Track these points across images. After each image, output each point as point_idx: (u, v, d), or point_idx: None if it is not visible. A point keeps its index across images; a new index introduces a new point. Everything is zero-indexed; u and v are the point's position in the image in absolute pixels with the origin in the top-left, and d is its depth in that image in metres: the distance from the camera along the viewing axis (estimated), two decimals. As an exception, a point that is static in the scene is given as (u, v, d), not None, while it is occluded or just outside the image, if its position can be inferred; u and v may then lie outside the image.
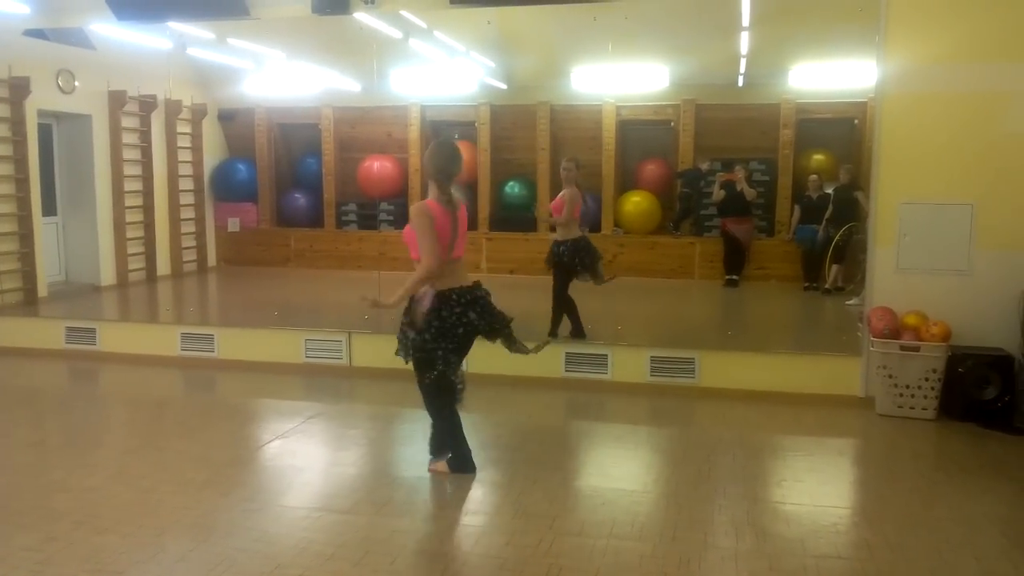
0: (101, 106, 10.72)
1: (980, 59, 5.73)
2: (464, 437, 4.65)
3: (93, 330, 7.81)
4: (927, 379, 5.74)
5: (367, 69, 11.22)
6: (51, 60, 9.86)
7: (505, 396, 6.30)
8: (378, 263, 11.55)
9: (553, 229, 7.50)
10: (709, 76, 11.22)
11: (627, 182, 12.54)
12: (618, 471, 4.91)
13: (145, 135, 11.40)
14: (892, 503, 4.37)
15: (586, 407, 6.35)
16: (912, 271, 5.97)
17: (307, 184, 13.30)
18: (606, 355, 6.63)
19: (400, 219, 12.16)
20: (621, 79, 11.12)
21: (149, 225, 11.46)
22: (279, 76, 11.78)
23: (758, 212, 11.37)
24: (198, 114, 12.39)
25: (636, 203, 12.06)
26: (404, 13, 8.11)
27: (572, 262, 7.09)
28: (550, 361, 6.67)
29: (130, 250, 11.13)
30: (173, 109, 11.79)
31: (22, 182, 9.39)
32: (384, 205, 12.71)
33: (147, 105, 11.36)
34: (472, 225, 12.15)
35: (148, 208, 11.43)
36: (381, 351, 5.96)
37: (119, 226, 10.96)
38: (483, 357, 5.88)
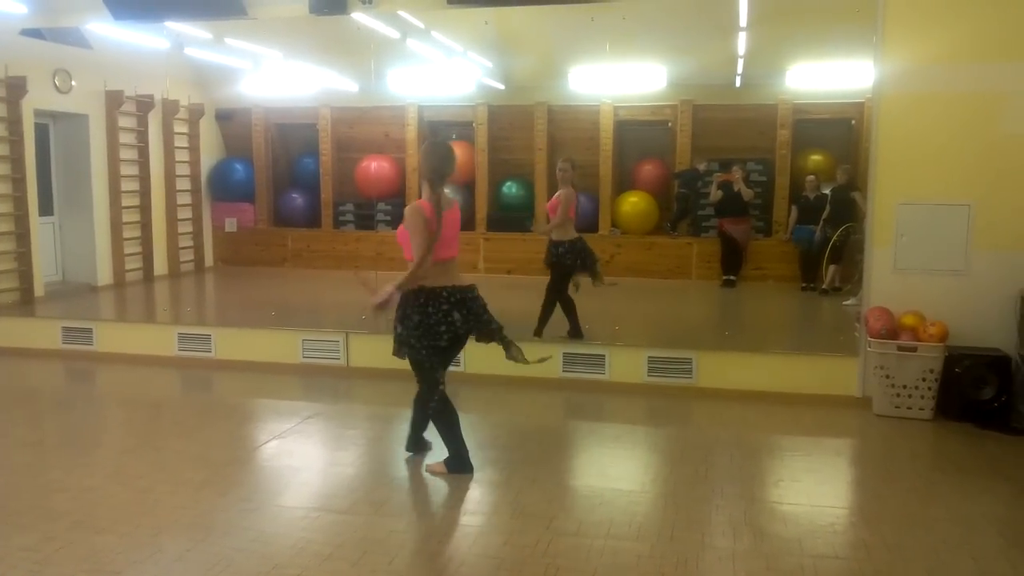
0: (98, 106, 10.72)
1: (977, 59, 5.74)
2: (462, 437, 4.65)
3: (90, 330, 7.80)
4: (924, 379, 5.74)
5: (365, 69, 11.22)
6: (48, 60, 9.85)
7: (503, 396, 6.30)
8: (375, 263, 11.55)
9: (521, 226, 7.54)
10: (707, 76, 11.23)
11: (624, 182, 12.55)
12: (616, 471, 4.91)
13: (142, 135, 11.38)
14: (889, 503, 4.37)
15: (584, 407, 6.35)
16: (909, 271, 5.98)
17: (304, 184, 13.29)
18: (603, 355, 6.63)
19: (397, 219, 12.12)
20: (619, 79, 11.12)
21: (146, 225, 11.45)
22: (276, 76, 11.77)
23: (755, 212, 11.38)
24: (195, 114, 12.38)
25: (633, 203, 12.07)
26: (402, 13, 8.11)
27: (570, 263, 7.10)
28: (548, 361, 6.66)
29: (127, 250, 11.11)
30: (170, 109, 11.79)
31: (19, 182, 9.38)
32: (381, 205, 12.71)
33: (144, 105, 11.35)
34: (470, 225, 12.20)
35: (145, 208, 11.42)
36: (379, 351, 5.96)
37: (116, 226, 10.95)
38: (481, 357, 5.90)
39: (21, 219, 9.41)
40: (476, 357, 6.21)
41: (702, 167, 11.62)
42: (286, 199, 13.30)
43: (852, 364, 6.17)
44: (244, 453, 5.19)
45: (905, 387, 5.79)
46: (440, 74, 11.35)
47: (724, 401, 6.20)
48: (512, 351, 4.60)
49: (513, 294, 8.19)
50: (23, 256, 9.40)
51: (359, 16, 7.39)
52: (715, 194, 11.04)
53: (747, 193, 10.81)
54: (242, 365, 7.24)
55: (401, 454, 4.98)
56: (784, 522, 4.09)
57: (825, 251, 10.17)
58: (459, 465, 4.63)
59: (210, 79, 12.54)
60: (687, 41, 10.48)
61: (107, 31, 8.69)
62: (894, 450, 5.30)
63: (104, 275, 10.85)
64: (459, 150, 12.27)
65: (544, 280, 7.32)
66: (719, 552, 3.73)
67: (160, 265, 11.74)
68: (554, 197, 7.28)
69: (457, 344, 4.62)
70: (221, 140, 13.38)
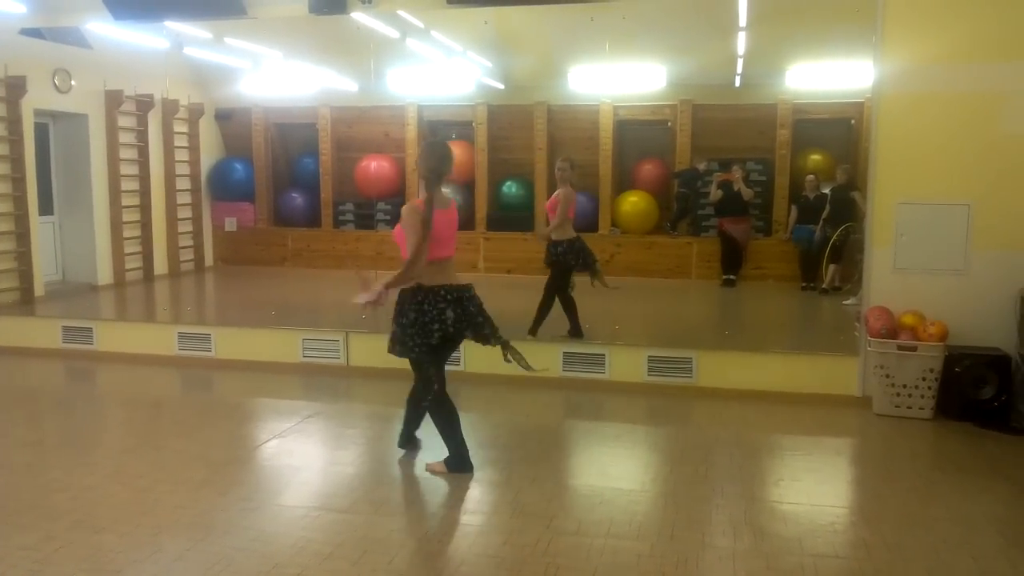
0: (98, 105, 10.71)
1: (977, 59, 5.74)
2: (462, 436, 4.65)
3: (90, 329, 7.80)
4: (924, 379, 5.75)
5: (364, 69, 11.22)
6: (48, 59, 9.85)
7: (503, 396, 6.29)
8: (375, 263, 11.56)
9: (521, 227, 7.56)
10: (706, 76, 11.23)
11: (624, 182, 12.55)
12: (616, 470, 4.91)
13: (142, 134, 11.38)
14: (889, 502, 4.38)
15: (584, 407, 6.35)
16: (909, 271, 5.98)
17: (304, 184, 13.29)
18: (603, 355, 6.63)
19: (397, 219, 12.10)
20: (618, 79, 11.12)
21: (146, 224, 11.45)
22: (276, 76, 11.77)
23: (755, 212, 11.39)
24: (195, 113, 12.38)
25: (633, 203, 12.07)
26: (401, 13, 8.11)
27: (572, 262, 7.11)
28: (548, 361, 6.68)
29: (127, 249, 11.11)
30: (170, 108, 11.78)
31: (18, 181, 9.38)
32: (381, 205, 12.71)
33: (144, 104, 11.34)
34: (470, 225, 12.21)
35: (145, 207, 11.42)
36: (379, 351, 5.93)
37: (116, 225, 10.95)
38: (481, 357, 5.90)
39: (21, 218, 9.41)
40: (476, 356, 6.22)
41: (702, 167, 11.62)
42: (286, 199, 13.30)
43: (852, 364, 6.17)
44: (244, 452, 5.19)
45: (905, 386, 5.79)
46: (440, 74, 11.34)
47: (724, 400, 6.20)
48: (510, 354, 4.59)
49: (513, 294, 8.19)
50: (23, 255, 9.40)
51: (359, 16, 7.39)
52: (715, 194, 11.05)
53: (747, 193, 10.81)
54: (242, 364, 7.24)
55: (401, 454, 4.99)
56: (784, 521, 4.09)
57: (825, 251, 10.17)
58: (459, 464, 4.63)
59: (210, 79, 12.54)
60: (687, 41, 10.48)
61: (107, 31, 8.68)
62: (894, 449, 5.30)
63: (104, 274, 10.85)
64: (459, 150, 12.39)
65: (544, 279, 7.31)
66: (719, 551, 3.74)
67: (160, 264, 11.74)
68: (553, 196, 7.29)
69: (449, 343, 4.61)
70: (221, 140, 13.38)
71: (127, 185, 11.13)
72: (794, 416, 5.90)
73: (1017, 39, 5.70)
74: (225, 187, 13.02)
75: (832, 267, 10.20)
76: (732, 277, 11.03)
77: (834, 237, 10.01)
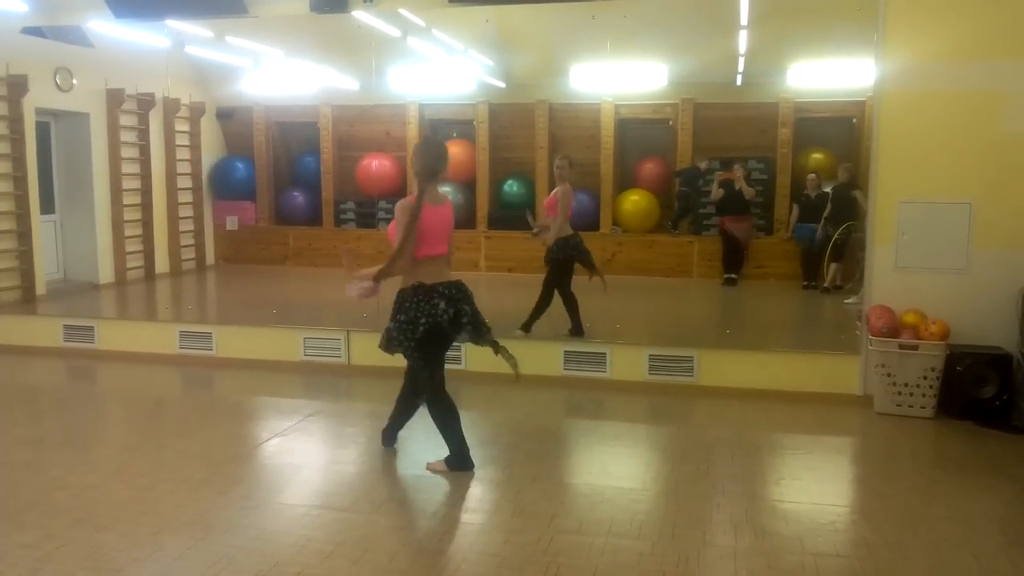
0: (99, 104, 10.71)
1: (979, 57, 5.73)
2: (463, 435, 4.65)
3: (91, 328, 7.80)
4: (925, 377, 5.74)
5: (365, 67, 11.22)
6: (49, 58, 9.85)
7: (503, 394, 6.29)
8: (376, 261, 11.52)
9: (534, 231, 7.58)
10: (708, 75, 11.22)
11: (626, 181, 12.54)
12: (617, 469, 4.91)
13: (143, 133, 11.38)
14: (891, 501, 4.37)
15: (585, 405, 6.35)
16: (911, 270, 5.97)
17: (305, 182, 13.29)
18: (605, 353, 6.63)
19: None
20: (620, 78, 11.10)
21: (147, 223, 11.45)
22: (277, 74, 11.76)
23: (757, 211, 11.38)
24: (196, 112, 12.38)
25: (635, 202, 12.06)
26: (403, 11, 8.11)
27: (574, 256, 7.12)
28: (549, 359, 6.69)
29: (128, 248, 11.12)
30: (171, 107, 11.79)
31: (20, 180, 9.38)
32: (382, 203, 12.70)
33: (145, 103, 11.35)
34: (471, 224, 12.21)
35: (146, 206, 11.43)
36: (379, 350, 5.95)
37: (117, 224, 10.95)
38: (482, 356, 5.87)
39: (22, 217, 9.42)
40: (477, 355, 6.19)
41: (703, 165, 11.62)
42: (287, 197, 13.30)
43: (853, 362, 6.17)
44: (245, 451, 5.19)
45: (906, 385, 5.79)
46: (441, 72, 11.33)
47: (725, 399, 6.20)
48: (501, 354, 4.56)
49: (514, 292, 8.19)
50: (24, 254, 9.41)
51: (360, 14, 7.39)
52: (716, 192, 11.04)
53: (748, 191, 10.81)
54: (243, 363, 7.25)
55: (401, 453, 4.99)
56: (785, 520, 4.08)
57: (826, 249, 10.16)
58: (460, 462, 4.63)
59: (211, 77, 12.54)
60: (688, 39, 10.46)
61: (108, 29, 8.69)
62: (895, 448, 5.29)
63: (105, 273, 10.85)
64: (460, 148, 12.40)
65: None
66: (720, 550, 3.73)
67: (161, 263, 11.74)
68: (551, 194, 7.30)
69: (441, 339, 4.54)
70: (222, 138, 13.38)
71: (128, 184, 11.13)
72: (795, 415, 5.90)
73: (1019, 37, 5.69)
74: (226, 186, 13.03)
75: (833, 266, 10.19)
76: (733, 276, 11.02)
77: (835, 236, 10.00)
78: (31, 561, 3.59)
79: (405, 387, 4.86)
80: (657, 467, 5.02)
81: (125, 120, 11.06)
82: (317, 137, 12.97)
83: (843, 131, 11.94)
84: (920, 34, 5.82)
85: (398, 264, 4.36)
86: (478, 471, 4.66)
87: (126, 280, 11.00)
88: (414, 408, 4.90)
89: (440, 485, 4.55)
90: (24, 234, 9.43)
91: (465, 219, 12.24)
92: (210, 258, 12.94)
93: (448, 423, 4.61)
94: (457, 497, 4.42)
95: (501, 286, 10.37)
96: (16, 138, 9.35)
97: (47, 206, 10.34)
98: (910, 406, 5.79)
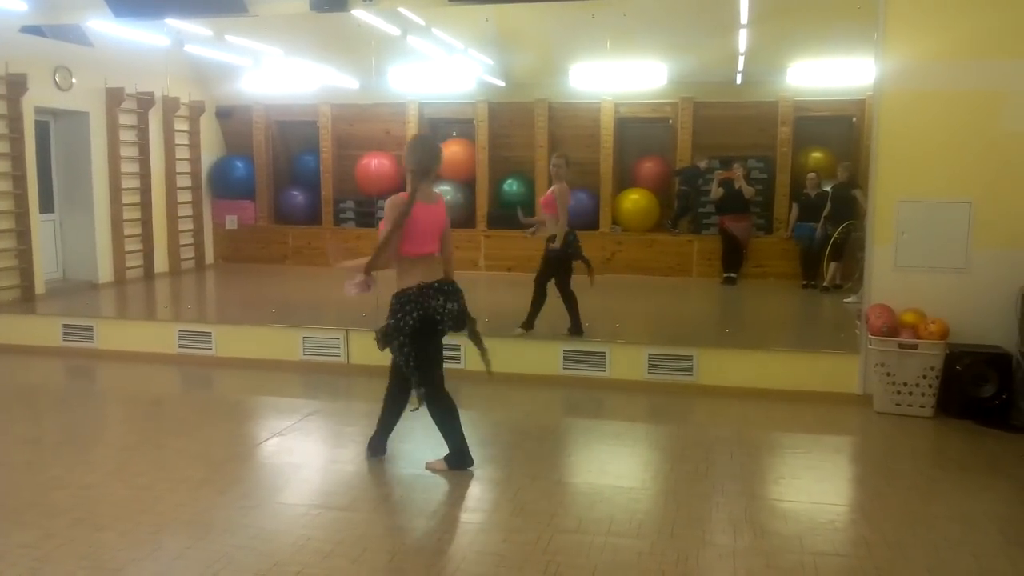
0: (98, 103, 10.71)
1: (979, 56, 5.73)
2: (462, 432, 4.64)
3: (90, 327, 7.80)
4: (925, 377, 5.74)
5: (365, 66, 11.20)
6: (48, 57, 9.84)
7: (503, 394, 6.29)
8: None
9: (526, 226, 7.60)
10: (707, 74, 11.22)
11: (625, 180, 12.54)
12: (616, 468, 4.91)
13: (143, 132, 11.38)
14: (890, 500, 4.37)
15: (584, 404, 6.35)
16: (910, 269, 5.97)
17: (305, 181, 13.29)
18: (604, 352, 6.63)
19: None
20: (619, 77, 11.10)
21: (147, 222, 11.45)
22: (277, 73, 11.76)
23: (756, 210, 11.38)
24: (196, 111, 12.37)
25: (634, 201, 12.06)
26: (402, 10, 8.11)
27: (568, 255, 7.12)
28: (548, 359, 6.69)
29: (128, 247, 11.11)
30: (171, 106, 11.78)
31: (19, 179, 9.38)
32: (382, 203, 12.55)
33: (145, 102, 11.34)
34: (470, 223, 12.20)
35: (146, 205, 11.42)
36: (378, 349, 5.95)
37: (117, 223, 10.95)
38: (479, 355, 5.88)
39: (22, 216, 9.41)
40: (476, 355, 6.19)
41: (703, 164, 11.61)
42: (286, 196, 13.30)
43: (853, 361, 6.17)
44: (244, 450, 5.19)
45: (906, 384, 5.79)
46: (441, 71, 11.33)
47: (725, 398, 6.20)
48: (481, 353, 4.55)
49: (513, 291, 8.18)
50: (24, 253, 9.40)
51: (360, 13, 7.39)
52: (716, 191, 11.04)
53: (748, 190, 10.81)
54: (242, 362, 7.25)
55: (400, 452, 4.98)
56: (784, 519, 4.08)
57: (826, 248, 10.15)
58: (460, 460, 4.63)
59: (210, 76, 12.53)
60: (688, 38, 10.46)
61: (107, 28, 8.68)
62: (895, 447, 5.30)
63: (105, 272, 10.85)
64: (460, 147, 12.39)
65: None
66: (719, 549, 3.73)
67: (161, 262, 11.74)
68: (548, 192, 7.30)
69: (432, 334, 4.49)
70: (221, 137, 13.37)
71: (128, 183, 11.13)
72: (795, 414, 5.90)
73: (1019, 36, 5.69)
74: (226, 185, 13.02)
75: (833, 265, 10.19)
76: (733, 275, 11.02)
77: (835, 235, 9.99)
78: (30, 561, 3.59)
79: (391, 385, 4.81)
80: (656, 466, 5.02)
81: (124, 119, 11.05)
82: (316, 136, 12.96)
83: (843, 130, 11.94)
84: (920, 33, 5.82)
85: (382, 257, 4.33)
86: (477, 470, 4.66)
87: (125, 279, 11.00)
88: (401, 408, 4.80)
89: (439, 484, 4.55)
90: (23, 233, 9.43)
91: (464, 218, 12.24)
92: (209, 257, 12.94)
93: (448, 421, 4.61)
94: (456, 496, 4.42)
95: (500, 285, 10.37)
96: (15, 137, 9.34)
97: (46, 205, 10.33)
98: (909, 405, 5.79)
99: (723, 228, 11.05)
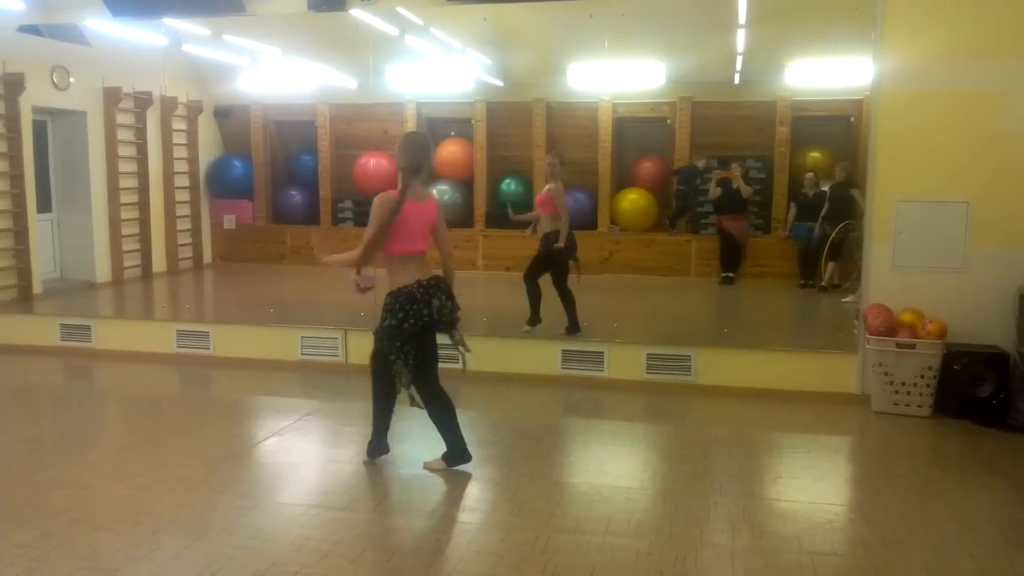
0: (96, 103, 10.69)
1: (977, 56, 5.74)
2: (459, 430, 4.65)
3: (88, 327, 7.79)
4: (923, 376, 5.75)
5: (363, 66, 11.21)
6: (46, 56, 9.83)
7: (501, 393, 6.29)
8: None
9: (522, 225, 7.61)
10: (705, 73, 11.22)
11: (623, 179, 12.54)
12: (614, 468, 4.91)
13: (140, 132, 11.37)
14: (888, 500, 4.38)
15: (582, 404, 6.35)
16: (908, 268, 5.97)
17: (303, 181, 13.28)
18: (602, 352, 6.63)
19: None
20: (617, 76, 11.10)
21: (144, 222, 11.43)
22: (275, 73, 11.75)
23: (754, 209, 11.38)
24: (194, 111, 12.36)
25: (632, 200, 12.06)
26: (400, 10, 8.10)
27: (561, 250, 7.12)
28: (546, 358, 6.69)
29: (125, 247, 11.10)
30: (168, 106, 11.77)
31: (17, 179, 9.37)
32: (379, 202, 12.65)
33: (142, 102, 11.33)
34: (468, 222, 12.19)
35: (143, 205, 11.41)
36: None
37: (114, 223, 10.94)
38: (478, 354, 5.87)
39: (19, 216, 9.40)
40: (476, 354, 6.19)
41: (701, 164, 11.62)
42: (285, 196, 13.29)
43: (851, 361, 6.17)
44: (242, 450, 5.18)
45: (904, 384, 5.79)
46: (439, 71, 11.33)
47: (723, 398, 6.20)
48: (460, 351, 4.55)
49: (512, 291, 8.18)
50: (21, 253, 9.39)
51: (358, 13, 7.38)
52: (714, 191, 11.04)
53: (746, 190, 10.81)
54: (240, 362, 7.24)
55: (400, 451, 4.97)
56: (783, 519, 4.09)
57: (824, 248, 10.16)
58: (458, 457, 4.63)
59: (208, 76, 12.52)
60: (686, 38, 10.47)
61: (105, 27, 8.68)
62: (892, 447, 5.30)
63: (102, 272, 10.84)
64: (458, 147, 12.38)
65: (544, 277, 7.29)
66: (718, 549, 3.74)
67: (159, 262, 11.72)
68: (544, 191, 7.30)
69: (425, 331, 4.45)
70: (219, 137, 13.36)
71: (125, 182, 11.12)
72: (793, 414, 5.90)
73: (1017, 36, 5.70)
74: (224, 184, 13.01)
75: (831, 265, 10.20)
76: (731, 275, 11.02)
77: (833, 235, 10.00)
78: (28, 561, 3.59)
79: (376, 387, 4.75)
80: (655, 466, 5.02)
81: (122, 119, 11.04)
82: (315, 136, 12.96)
83: (841, 130, 11.94)
84: (918, 33, 5.83)
85: (369, 253, 4.32)
86: (475, 470, 4.66)
87: (123, 279, 10.98)
88: (392, 403, 4.73)
89: (437, 484, 4.55)
90: (21, 233, 9.41)
91: (463, 218, 12.24)
92: (207, 257, 12.93)
93: (445, 419, 4.61)
94: (455, 496, 4.42)
95: (498, 285, 10.37)
96: (13, 136, 9.33)
97: (44, 205, 10.31)
98: (907, 405, 5.80)
99: (721, 228, 11.06)
